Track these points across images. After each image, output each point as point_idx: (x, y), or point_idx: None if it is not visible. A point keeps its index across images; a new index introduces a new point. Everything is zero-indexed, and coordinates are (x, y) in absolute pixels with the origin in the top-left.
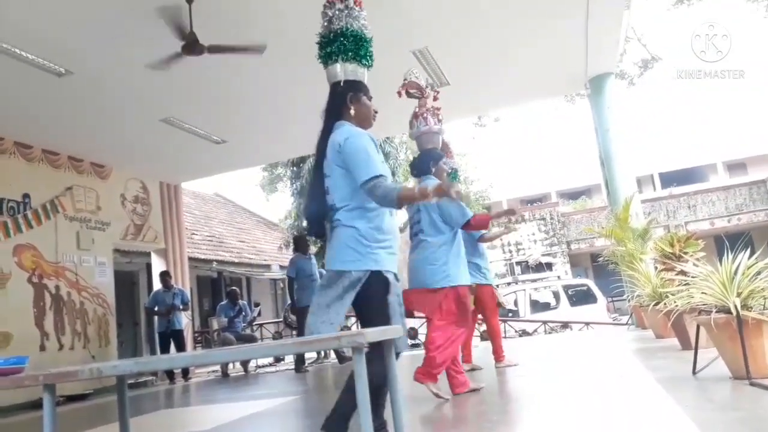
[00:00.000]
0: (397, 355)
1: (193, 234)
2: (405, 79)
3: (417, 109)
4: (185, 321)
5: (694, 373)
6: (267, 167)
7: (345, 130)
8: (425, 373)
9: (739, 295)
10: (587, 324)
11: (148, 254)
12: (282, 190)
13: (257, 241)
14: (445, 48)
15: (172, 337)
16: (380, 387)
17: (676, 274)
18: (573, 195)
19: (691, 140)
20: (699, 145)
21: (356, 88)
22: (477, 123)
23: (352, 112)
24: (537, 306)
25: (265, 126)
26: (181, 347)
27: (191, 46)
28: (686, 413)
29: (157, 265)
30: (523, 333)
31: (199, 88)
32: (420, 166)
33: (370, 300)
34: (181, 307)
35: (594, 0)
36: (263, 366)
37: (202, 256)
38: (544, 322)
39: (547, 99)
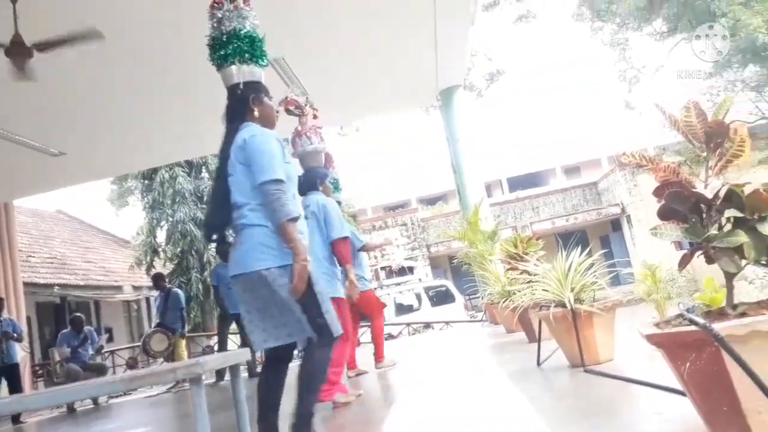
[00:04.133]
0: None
1: (30, 256)
2: (286, 97)
3: (299, 128)
4: (21, 354)
5: (538, 364)
6: (116, 180)
7: (252, 129)
8: (326, 390)
9: (572, 290)
10: (447, 323)
11: None
12: (133, 204)
13: (106, 260)
14: (302, 59)
15: (4, 374)
16: (317, 374)
17: (520, 273)
18: (431, 200)
19: (534, 147)
20: (541, 152)
21: (257, 89)
22: (339, 132)
23: (256, 113)
24: (401, 309)
25: (108, 136)
26: (16, 384)
27: (17, 50)
28: (531, 403)
29: None
30: (389, 336)
31: (30, 95)
32: (307, 184)
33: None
34: (15, 335)
35: (441, 16)
36: (116, 396)
37: (42, 281)
38: (408, 324)
39: (402, 110)
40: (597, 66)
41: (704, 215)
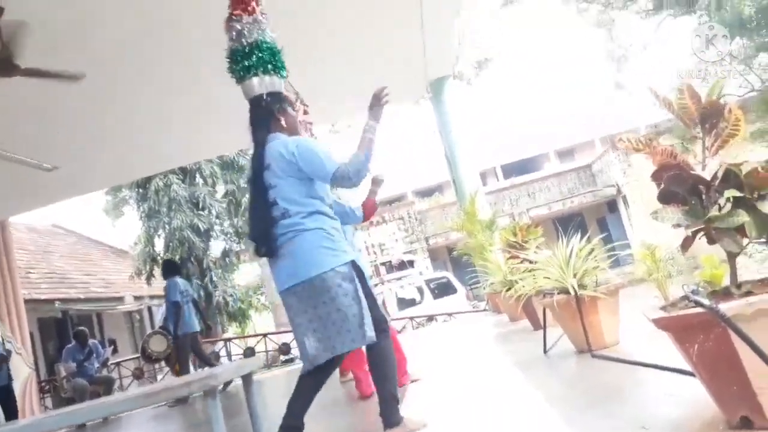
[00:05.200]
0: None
1: (29, 272)
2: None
3: None
4: (27, 371)
5: (545, 351)
6: (110, 191)
7: (287, 140)
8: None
9: (575, 275)
10: (450, 314)
11: None
12: (129, 213)
13: (106, 272)
14: (290, 56)
15: (3, 396)
16: (388, 361)
17: (521, 262)
18: (427, 192)
19: (526, 133)
20: (533, 137)
21: (281, 99)
22: (331, 130)
23: (283, 123)
24: (403, 303)
25: (101, 148)
26: (12, 405)
27: (2, 64)
28: (540, 391)
29: None
30: None
31: (19, 110)
32: None
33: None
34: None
35: (427, 8)
36: None
37: (42, 296)
38: (411, 318)
39: (394, 105)
40: (585, 47)
41: (704, 196)
